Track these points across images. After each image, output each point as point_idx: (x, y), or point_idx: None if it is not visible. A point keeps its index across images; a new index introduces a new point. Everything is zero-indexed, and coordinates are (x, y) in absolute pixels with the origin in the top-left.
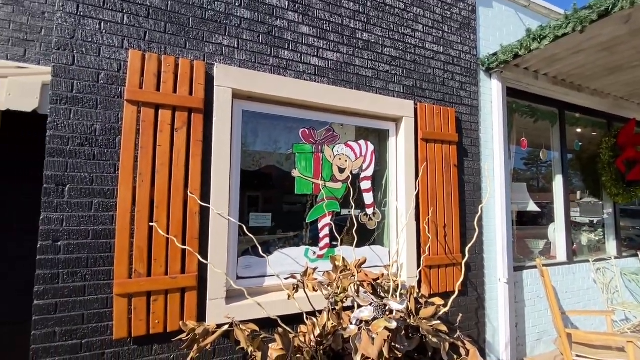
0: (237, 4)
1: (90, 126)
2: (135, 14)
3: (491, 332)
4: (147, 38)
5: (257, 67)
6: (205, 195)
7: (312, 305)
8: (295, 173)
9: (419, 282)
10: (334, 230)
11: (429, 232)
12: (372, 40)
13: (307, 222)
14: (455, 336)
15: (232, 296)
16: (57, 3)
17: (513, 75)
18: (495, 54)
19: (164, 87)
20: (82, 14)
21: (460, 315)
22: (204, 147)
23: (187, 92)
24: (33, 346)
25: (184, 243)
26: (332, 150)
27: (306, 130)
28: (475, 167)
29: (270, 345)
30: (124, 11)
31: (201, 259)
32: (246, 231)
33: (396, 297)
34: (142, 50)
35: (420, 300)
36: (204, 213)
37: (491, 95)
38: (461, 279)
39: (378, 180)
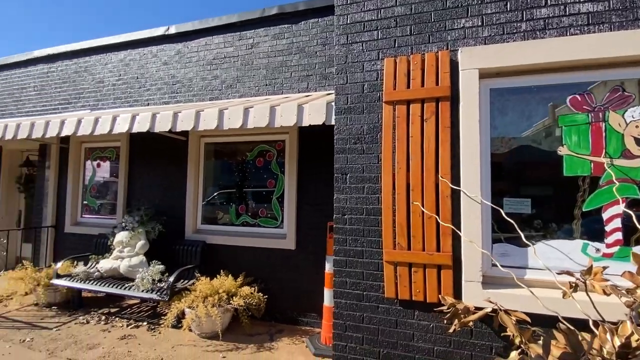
0: None
1: (360, 128)
2: (386, 27)
3: None
4: (396, 44)
5: (506, 39)
6: (454, 178)
7: (596, 311)
8: (562, 150)
9: None
10: (636, 222)
11: None
12: None
13: (582, 210)
14: None
15: (488, 282)
16: (334, 39)
17: None
18: None
19: (413, 84)
20: (350, 41)
21: None
22: (452, 132)
23: (433, 83)
24: (334, 289)
25: (437, 224)
26: (623, 116)
27: (577, 96)
28: None
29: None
30: (378, 28)
31: (457, 232)
32: (504, 216)
33: None
34: (394, 56)
35: None
36: (455, 196)
37: None
38: None
39: None
